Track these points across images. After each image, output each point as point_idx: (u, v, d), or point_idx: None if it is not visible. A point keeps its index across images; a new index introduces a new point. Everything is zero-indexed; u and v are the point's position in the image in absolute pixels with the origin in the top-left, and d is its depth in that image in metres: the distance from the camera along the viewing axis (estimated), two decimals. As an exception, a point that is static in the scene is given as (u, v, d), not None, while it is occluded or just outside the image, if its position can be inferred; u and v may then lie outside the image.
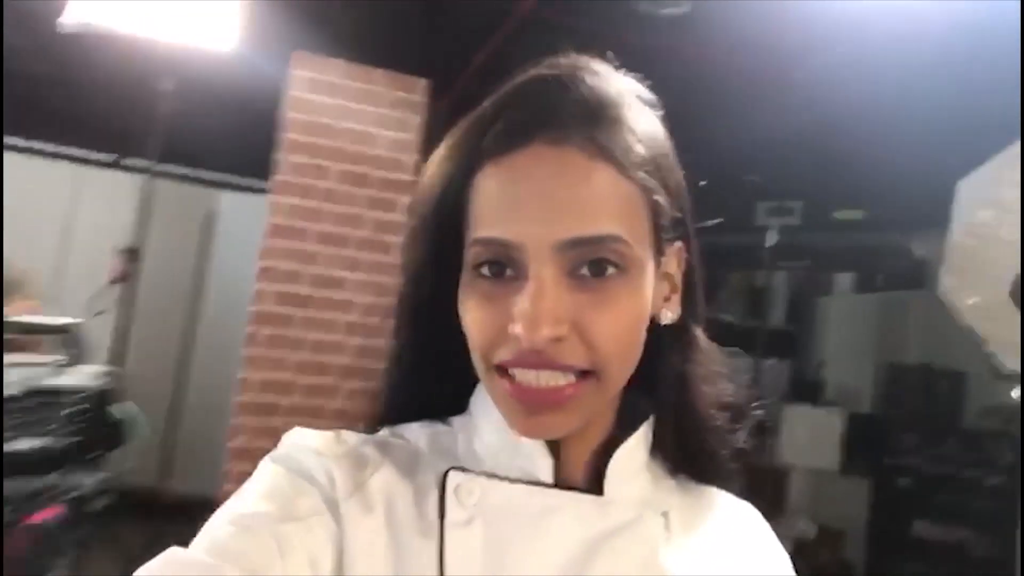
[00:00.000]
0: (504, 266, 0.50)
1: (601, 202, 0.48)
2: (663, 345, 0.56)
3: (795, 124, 3.15)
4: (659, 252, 0.53)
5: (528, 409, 0.49)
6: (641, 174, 0.50)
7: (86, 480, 1.03)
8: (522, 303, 0.47)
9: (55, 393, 1.01)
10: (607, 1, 2.74)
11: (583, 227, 0.48)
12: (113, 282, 2.92)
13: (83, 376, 1.06)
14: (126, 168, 4.83)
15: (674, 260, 0.56)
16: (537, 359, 0.48)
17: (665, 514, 0.55)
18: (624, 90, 0.54)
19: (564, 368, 0.48)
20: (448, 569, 0.49)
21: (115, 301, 3.05)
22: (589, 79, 0.52)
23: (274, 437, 0.56)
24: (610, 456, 0.55)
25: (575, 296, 0.48)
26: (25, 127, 4.75)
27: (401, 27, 2.95)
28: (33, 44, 3.89)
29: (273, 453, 0.54)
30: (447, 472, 0.54)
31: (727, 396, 0.60)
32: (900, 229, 3.53)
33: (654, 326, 0.54)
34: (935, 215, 2.65)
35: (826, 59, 2.86)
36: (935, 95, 2.90)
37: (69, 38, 2.84)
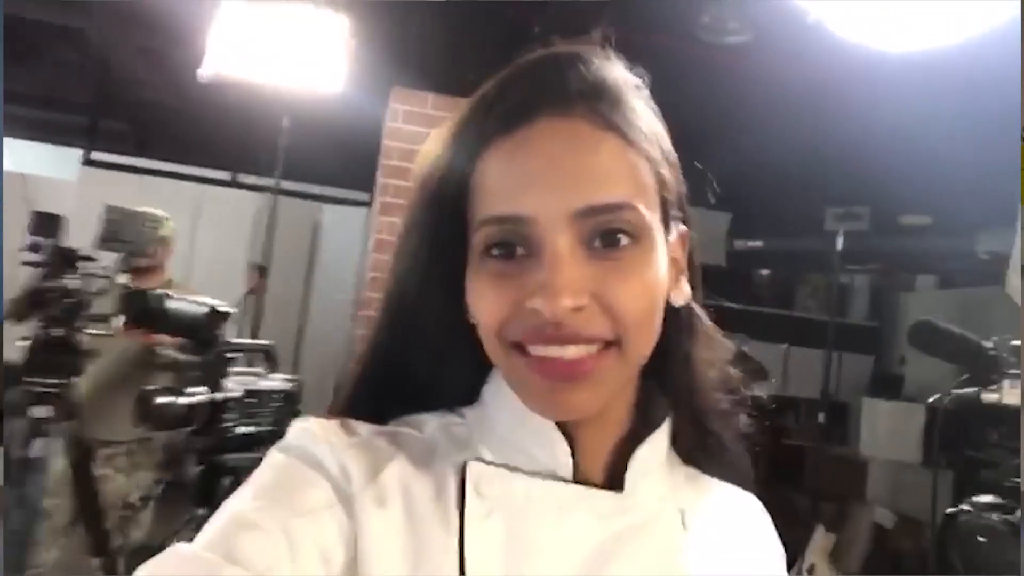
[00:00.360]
0: (515, 246, 0.48)
1: (612, 171, 0.48)
2: (671, 329, 0.55)
3: (862, 132, 3.27)
4: (667, 230, 0.52)
5: (551, 385, 0.48)
6: (647, 146, 0.50)
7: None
8: (541, 274, 0.46)
9: (262, 394, 1.39)
10: (675, 27, 2.98)
11: (596, 195, 0.47)
12: (250, 293, 3.37)
13: (278, 382, 1.44)
14: (243, 186, 5.38)
15: (678, 243, 0.55)
16: (559, 333, 0.46)
17: (682, 511, 0.55)
18: (623, 76, 0.53)
19: (588, 340, 0.47)
20: (469, 562, 0.48)
21: (242, 311, 3.50)
22: (589, 60, 0.52)
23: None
24: (629, 452, 0.53)
25: (592, 266, 0.47)
26: (162, 153, 5.39)
27: (485, 61, 3.26)
28: (170, 85, 4.45)
29: (280, 443, 0.52)
30: (466, 463, 0.52)
31: (732, 381, 0.60)
32: (967, 231, 3.58)
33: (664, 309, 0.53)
34: (1003, 215, 2.73)
35: (891, 69, 2.98)
36: (997, 99, 2.96)
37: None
